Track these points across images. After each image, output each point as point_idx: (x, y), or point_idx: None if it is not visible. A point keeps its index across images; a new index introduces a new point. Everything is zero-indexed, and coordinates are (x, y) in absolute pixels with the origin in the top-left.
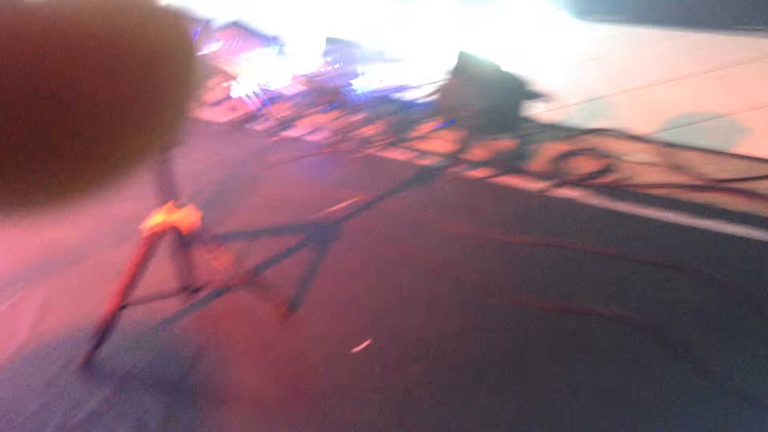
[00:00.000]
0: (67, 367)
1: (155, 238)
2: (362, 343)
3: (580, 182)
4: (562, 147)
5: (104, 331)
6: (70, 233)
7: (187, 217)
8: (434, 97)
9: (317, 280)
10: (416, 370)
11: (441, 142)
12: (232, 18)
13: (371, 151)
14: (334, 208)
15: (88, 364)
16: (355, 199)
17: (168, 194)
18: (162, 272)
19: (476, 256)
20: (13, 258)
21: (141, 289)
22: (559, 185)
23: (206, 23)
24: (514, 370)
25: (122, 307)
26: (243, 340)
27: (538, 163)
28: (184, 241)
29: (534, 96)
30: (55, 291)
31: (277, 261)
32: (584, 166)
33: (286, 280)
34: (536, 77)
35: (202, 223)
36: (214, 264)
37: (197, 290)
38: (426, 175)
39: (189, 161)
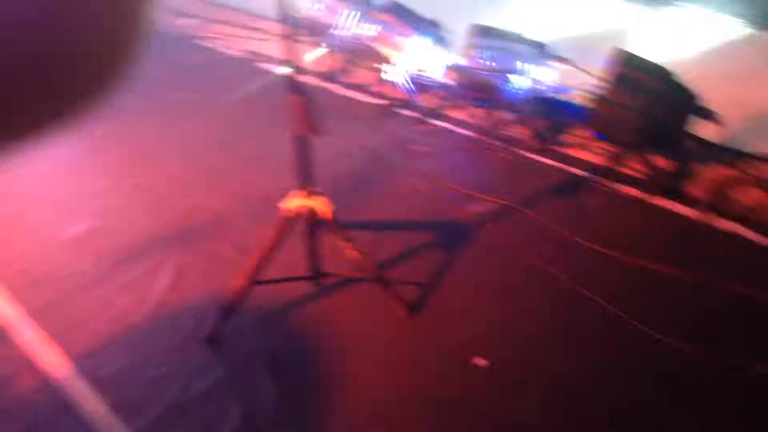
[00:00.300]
0: (193, 337)
1: (290, 220)
2: (481, 358)
3: (742, 215)
4: (727, 172)
5: (231, 306)
6: (210, 204)
7: (321, 203)
8: (593, 103)
9: (443, 284)
10: (532, 397)
11: (594, 152)
12: (393, 1)
13: (519, 152)
14: (472, 208)
15: (213, 338)
16: (495, 202)
17: (306, 177)
18: (292, 255)
19: (615, 281)
20: (154, 222)
21: (271, 270)
22: (719, 215)
23: (367, 3)
24: (632, 412)
25: (251, 285)
26: (362, 334)
27: (697, 187)
28: (316, 226)
29: (700, 111)
30: (191, 259)
31: (406, 257)
32: (750, 196)
33: (412, 278)
34: (703, 90)
35: (336, 210)
36: (344, 253)
37: (324, 277)
38: (573, 185)
39: (332, 142)
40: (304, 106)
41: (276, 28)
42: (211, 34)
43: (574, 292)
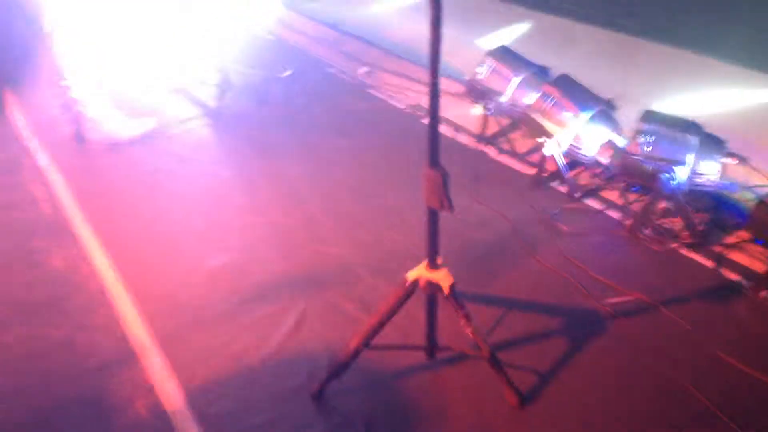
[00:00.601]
0: (301, 389)
1: (412, 288)
2: None
3: None
4: None
5: (342, 366)
6: (342, 253)
7: (444, 276)
8: (755, 205)
9: (562, 378)
10: None
11: (752, 257)
12: (564, 73)
13: (671, 245)
14: (609, 299)
15: (319, 393)
16: (636, 296)
17: (432, 249)
18: (410, 322)
19: (757, 408)
20: (287, 264)
21: (387, 332)
22: None
23: (538, 71)
24: None
25: (364, 347)
26: (466, 416)
27: None
28: (437, 298)
29: None
30: (315, 308)
31: (527, 341)
32: None
33: (530, 366)
34: None
35: (457, 283)
36: (462, 329)
37: (438, 350)
38: (726, 291)
39: (474, 206)
40: (439, 181)
41: (448, 87)
42: (382, 84)
43: (707, 412)
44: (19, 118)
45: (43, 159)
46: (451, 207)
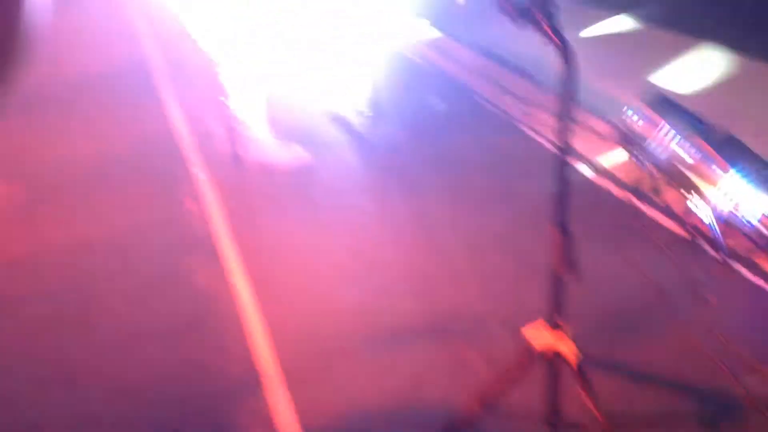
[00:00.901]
0: None
1: (535, 355)
2: None
3: None
4: None
5: (457, 428)
6: (473, 301)
7: (568, 346)
8: None
9: None
10: None
11: None
12: (729, 135)
13: None
14: (757, 386)
15: None
16: None
17: (556, 313)
18: (528, 391)
19: None
20: (417, 309)
21: (504, 400)
22: None
23: (697, 124)
24: None
25: (483, 411)
26: None
27: None
28: (560, 368)
29: None
30: (439, 358)
31: (655, 424)
32: None
33: None
34: None
35: (586, 345)
36: (584, 402)
37: (560, 423)
38: None
39: (612, 261)
40: (564, 243)
41: (596, 126)
42: (536, 122)
43: None
44: (181, 130)
45: (200, 174)
46: (575, 274)
